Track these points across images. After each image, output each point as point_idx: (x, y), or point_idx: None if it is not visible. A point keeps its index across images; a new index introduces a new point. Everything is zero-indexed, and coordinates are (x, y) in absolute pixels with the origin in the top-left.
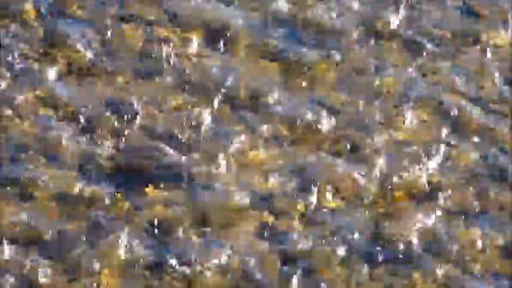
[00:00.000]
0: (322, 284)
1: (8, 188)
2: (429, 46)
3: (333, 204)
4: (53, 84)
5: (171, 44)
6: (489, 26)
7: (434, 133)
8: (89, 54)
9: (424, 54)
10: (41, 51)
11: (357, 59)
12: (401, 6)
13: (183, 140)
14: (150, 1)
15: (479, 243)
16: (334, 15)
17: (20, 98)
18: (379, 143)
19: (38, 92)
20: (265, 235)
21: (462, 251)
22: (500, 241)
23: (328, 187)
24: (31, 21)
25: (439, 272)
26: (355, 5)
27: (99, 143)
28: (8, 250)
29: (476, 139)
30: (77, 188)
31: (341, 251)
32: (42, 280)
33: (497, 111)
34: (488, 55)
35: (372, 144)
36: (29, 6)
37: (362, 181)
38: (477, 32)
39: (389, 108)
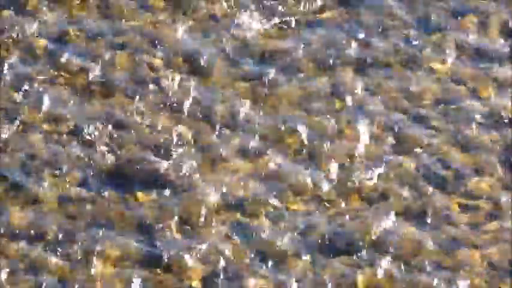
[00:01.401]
0: (285, 273)
1: (18, 192)
2: (377, 70)
3: (295, 206)
4: (57, 102)
5: (157, 69)
6: (429, 54)
7: (381, 145)
8: (88, 77)
9: (374, 77)
10: (45, 74)
11: (315, 82)
12: (354, 38)
13: (168, 152)
14: (139, 32)
15: (420, 239)
16: (294, 46)
17: (27, 115)
18: (335, 152)
19: (43, 110)
20: (237, 232)
21: (405, 246)
22: (437, 238)
23: (291, 191)
24: (38, 50)
25: (385, 264)
26: (314, 36)
27: (97, 154)
28: (17, 245)
29: (416, 150)
30: (77, 192)
31: (302, 245)
32: (46, 270)
33: (434, 126)
34: (427, 78)
35: (329, 153)
36: (34, 37)
37: (320, 186)
38: (419, 58)
39: (343, 123)
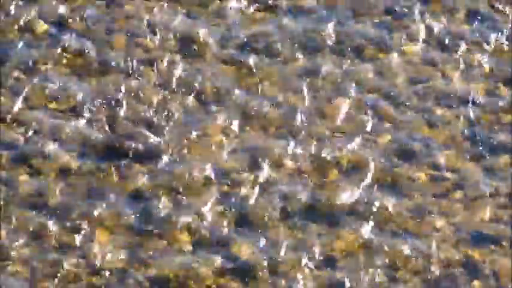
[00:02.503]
0: (268, 238)
1: (23, 164)
2: (353, 53)
3: (277, 177)
4: (58, 81)
5: (151, 50)
6: (400, 38)
7: (357, 121)
8: (85, 57)
9: (349, 59)
10: (48, 56)
11: (297, 64)
12: (331, 23)
13: (160, 127)
14: (134, 16)
15: (392, 208)
16: (276, 30)
17: (31, 93)
18: (314, 128)
19: (46, 88)
20: (224, 201)
21: (379, 214)
22: (408, 206)
23: (273, 164)
24: (40, 34)
25: (360, 229)
26: (294, 21)
27: (95, 128)
28: (22, 211)
29: (388, 126)
30: (77, 164)
31: (284, 213)
32: (48, 235)
33: (405, 104)
34: (400, 60)
35: (308, 129)
36: (36, 21)
37: (301, 158)
38: (391, 42)
39: (322, 102)
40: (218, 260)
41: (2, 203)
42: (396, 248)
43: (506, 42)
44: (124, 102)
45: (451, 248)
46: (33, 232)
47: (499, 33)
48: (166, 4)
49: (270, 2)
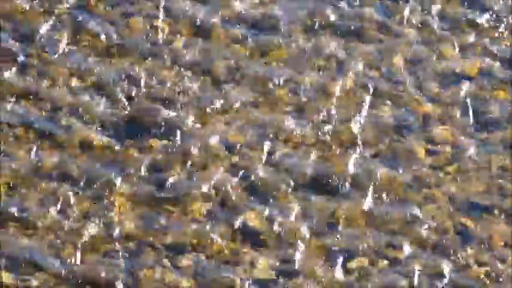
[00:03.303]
0: (275, 208)
1: (47, 138)
2: (355, 35)
3: (284, 150)
4: (80, 61)
5: (166, 33)
6: (398, 20)
7: (359, 98)
8: (105, 39)
9: (352, 40)
10: (71, 38)
11: (302, 44)
12: (335, 6)
13: (175, 103)
14: (150, 1)
15: (391, 179)
16: (283, 13)
17: (55, 72)
18: (319, 105)
19: (69, 67)
20: (234, 172)
21: (379, 184)
22: (406, 178)
23: (281, 137)
24: (63, 16)
25: (361, 199)
26: (299, 4)
27: (114, 105)
28: (45, 184)
29: (388, 102)
30: (97, 138)
31: (291, 184)
32: (71, 205)
33: (404, 82)
34: (398, 40)
35: (313, 106)
36: (60, 5)
37: (306, 133)
38: (390, 24)
39: (326, 80)
40: (229, 228)
41: (29, 175)
42: (394, 216)
43: (497, 23)
44: (141, 81)
45: (446, 217)
46: (57, 201)
47: (490, 15)
48: None
49: None
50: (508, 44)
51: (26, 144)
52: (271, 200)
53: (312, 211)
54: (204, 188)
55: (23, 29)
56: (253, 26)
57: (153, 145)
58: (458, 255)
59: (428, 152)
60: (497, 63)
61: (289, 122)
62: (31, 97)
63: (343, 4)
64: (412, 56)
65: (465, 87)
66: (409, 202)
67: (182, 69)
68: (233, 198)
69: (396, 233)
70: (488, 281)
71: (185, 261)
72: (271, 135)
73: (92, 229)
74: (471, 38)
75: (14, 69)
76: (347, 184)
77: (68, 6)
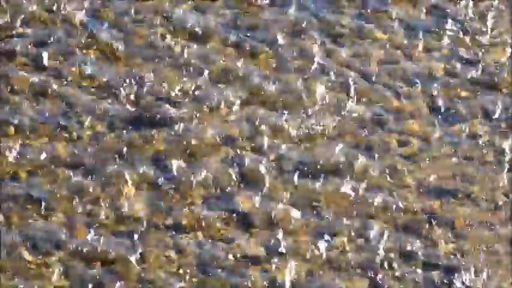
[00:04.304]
0: (265, 193)
1: (62, 132)
2: (335, 39)
3: (274, 142)
4: (91, 64)
5: (168, 38)
6: (373, 26)
7: (339, 96)
8: (113, 44)
9: (332, 44)
10: (82, 43)
11: (286, 47)
12: (316, 15)
13: (177, 101)
14: (153, 10)
15: (367, 167)
16: (272, 19)
17: (68, 73)
18: (303, 102)
19: (80, 70)
20: (229, 162)
21: (357, 172)
22: (381, 166)
23: (270, 131)
24: (76, 24)
25: (341, 185)
26: (286, 12)
27: (121, 103)
28: (61, 172)
29: (364, 99)
30: (106, 132)
31: (278, 172)
32: (84, 191)
33: (378, 81)
34: (373, 44)
35: (298, 103)
36: (73, 13)
37: (291, 127)
38: (366, 29)
39: (309, 79)
40: (224, 211)
41: (47, 164)
42: (370, 200)
43: (460, 29)
44: (146, 81)
45: (416, 200)
46: (72, 188)
47: (454, 22)
48: (178, 0)
49: None
50: (470, 47)
51: (44, 137)
52: (261, 186)
53: (298, 195)
54: (202, 176)
55: (42, 34)
56: (246, 30)
57: (157, 138)
58: (427, 235)
59: (400, 143)
60: (460, 65)
61: (278, 117)
62: (48, 96)
63: (324, 12)
64: (385, 58)
65: (432, 85)
66: (384, 187)
67: (181, 70)
68: (227, 185)
69: (372, 214)
70: (452, 257)
71: (185, 240)
72: (261, 129)
73: (102, 212)
74: (438, 43)
75: (33, 69)
76: (329, 171)
77: (80, 13)
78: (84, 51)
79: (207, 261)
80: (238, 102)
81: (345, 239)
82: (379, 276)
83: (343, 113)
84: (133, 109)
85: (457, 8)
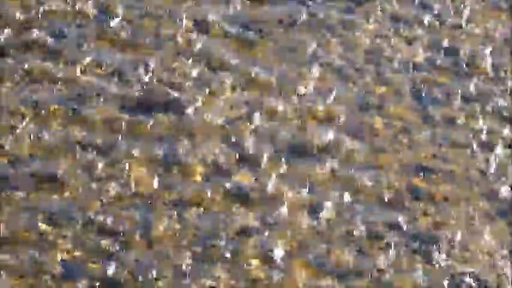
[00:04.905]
0: (261, 171)
1: (75, 115)
2: (325, 31)
3: (268, 124)
4: (101, 53)
5: (173, 29)
6: (361, 19)
7: (329, 82)
8: (123, 35)
9: (323, 35)
10: (94, 34)
11: (282, 40)
12: (307, 8)
13: (180, 87)
14: (160, 5)
15: (354, 147)
16: (268, 14)
17: (82, 61)
18: (297, 88)
19: (92, 57)
20: (227, 142)
21: (344, 152)
22: (367, 146)
23: (266, 114)
24: (89, 17)
25: (330, 163)
26: (280, 8)
27: (130, 88)
28: (74, 152)
29: (351, 85)
30: (116, 115)
31: (273, 152)
32: (96, 168)
33: (365, 69)
34: (360, 35)
35: (292, 88)
36: (86, 8)
37: (286, 109)
38: (354, 22)
39: (303, 68)
40: (223, 188)
41: (62, 145)
42: (357, 178)
43: (439, 21)
44: (152, 68)
45: (400, 178)
46: (85, 166)
47: (434, 14)
48: None
49: None
50: (447, 37)
51: (59, 119)
52: (257, 165)
53: (291, 173)
54: (202, 154)
55: (58, 26)
56: (246, 24)
57: (162, 120)
58: (410, 209)
59: (385, 126)
60: (439, 54)
61: (273, 101)
62: (63, 82)
63: (314, 6)
64: (371, 47)
65: (413, 73)
66: (370, 166)
67: (186, 58)
68: (227, 163)
69: (359, 190)
70: (432, 228)
71: (188, 214)
72: (257, 112)
73: (112, 188)
74: (418, 33)
75: (49, 58)
76: (320, 151)
77: (92, 7)
78: (95, 40)
79: (208, 231)
80: (237, 88)
81: (334, 213)
82: (366, 246)
83: (333, 97)
84: (141, 94)
85: (436, 1)
